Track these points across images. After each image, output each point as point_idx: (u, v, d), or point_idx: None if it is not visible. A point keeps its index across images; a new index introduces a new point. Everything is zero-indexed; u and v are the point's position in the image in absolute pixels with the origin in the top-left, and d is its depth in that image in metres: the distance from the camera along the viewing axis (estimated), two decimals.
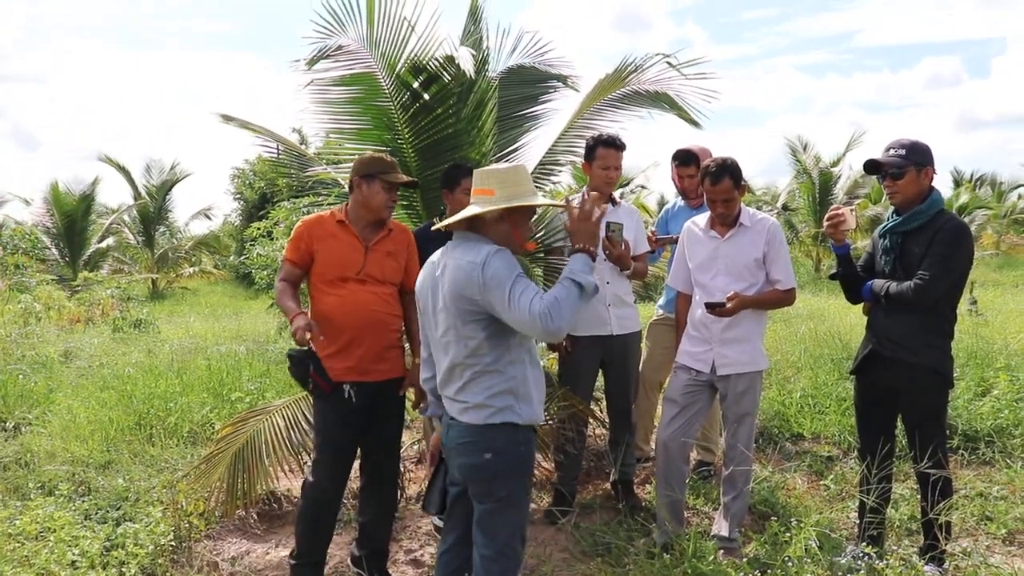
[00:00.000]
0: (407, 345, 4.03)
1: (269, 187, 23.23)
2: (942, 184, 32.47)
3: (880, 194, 21.78)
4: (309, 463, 4.02)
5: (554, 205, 3.49)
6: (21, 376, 7.60)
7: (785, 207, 22.76)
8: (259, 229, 11.63)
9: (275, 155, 5.42)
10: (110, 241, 22.60)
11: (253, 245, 11.32)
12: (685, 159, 5.15)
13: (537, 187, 5.26)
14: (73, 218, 20.38)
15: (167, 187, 24.41)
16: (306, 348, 3.55)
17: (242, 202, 25.36)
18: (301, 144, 21.95)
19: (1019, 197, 32.70)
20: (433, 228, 3.11)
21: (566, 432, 4.58)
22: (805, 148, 21.36)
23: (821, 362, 7.33)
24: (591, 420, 4.95)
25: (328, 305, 3.69)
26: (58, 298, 13.48)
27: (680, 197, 5.44)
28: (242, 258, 11.72)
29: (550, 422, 4.64)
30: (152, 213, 24.29)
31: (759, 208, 22.01)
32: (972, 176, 36.82)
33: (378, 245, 3.77)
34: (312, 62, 4.53)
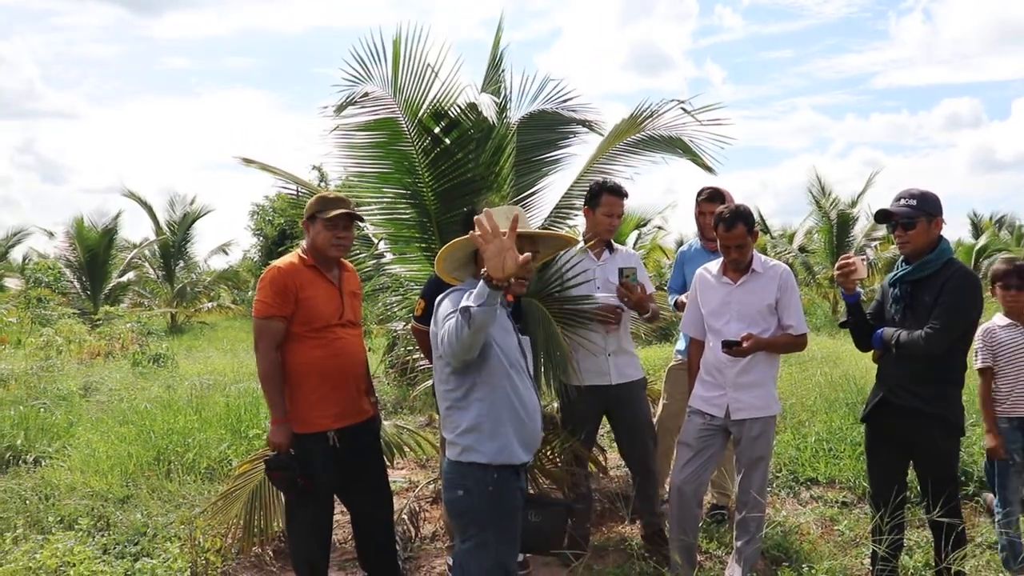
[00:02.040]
0: None
1: (288, 223, 23.44)
2: (960, 226, 32.35)
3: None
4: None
5: (556, 236, 3.53)
6: (42, 409, 7.70)
7: (802, 248, 22.75)
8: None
9: (294, 195, 5.54)
10: (131, 275, 22.77)
11: None
12: (712, 196, 5.17)
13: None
14: (96, 252, 20.57)
15: (188, 222, 24.67)
16: (286, 452, 3.56)
17: (261, 238, 25.59)
18: (321, 182, 22.32)
19: None
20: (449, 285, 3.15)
21: (574, 475, 4.61)
22: (824, 189, 21.38)
23: (836, 406, 7.33)
24: (597, 465, 4.96)
25: (314, 353, 3.64)
26: (79, 332, 13.65)
27: (698, 237, 5.47)
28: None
29: (559, 465, 4.68)
30: (173, 248, 24.54)
31: (775, 248, 22.07)
32: (991, 218, 36.68)
33: (345, 286, 3.82)
34: (340, 108, 4.66)
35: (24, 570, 3.95)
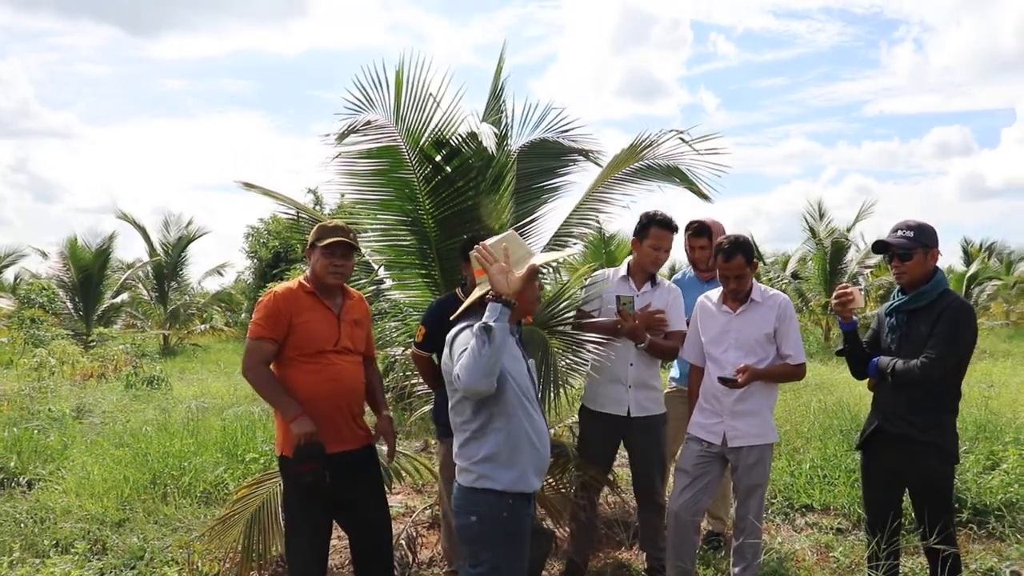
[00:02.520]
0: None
1: (283, 246, 23.46)
2: (951, 253, 32.53)
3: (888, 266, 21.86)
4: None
5: (553, 260, 3.60)
6: (37, 431, 7.69)
7: (795, 275, 22.84)
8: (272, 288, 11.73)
9: (294, 218, 5.58)
10: (124, 296, 22.74)
11: None
12: (698, 231, 5.19)
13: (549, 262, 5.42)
14: (89, 272, 20.55)
15: (183, 244, 24.69)
16: (316, 441, 3.54)
17: (256, 260, 25.59)
18: (316, 205, 22.37)
19: None
20: (452, 317, 3.16)
21: (579, 501, 4.62)
22: (820, 216, 21.52)
23: (831, 433, 7.37)
24: (604, 488, 4.95)
25: (306, 378, 3.67)
26: (72, 353, 13.61)
27: (691, 267, 5.51)
28: None
29: (563, 491, 4.69)
30: (166, 269, 24.54)
31: (768, 275, 22.14)
32: (981, 246, 36.89)
33: (346, 314, 3.83)
34: (342, 136, 4.71)
35: None
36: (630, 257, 4.70)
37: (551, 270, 5.64)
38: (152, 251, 24.50)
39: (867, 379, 3.95)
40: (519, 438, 2.97)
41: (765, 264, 24.33)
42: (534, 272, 3.04)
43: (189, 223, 24.93)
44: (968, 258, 33.28)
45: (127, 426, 8.11)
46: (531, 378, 3.13)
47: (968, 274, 26.71)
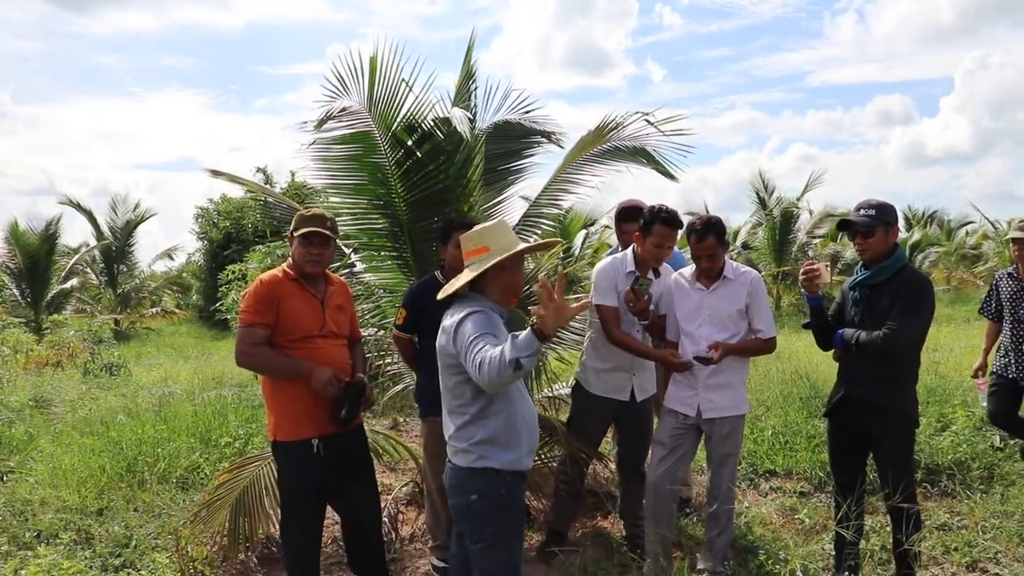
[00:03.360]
0: None
1: (234, 227, 23.19)
2: None
3: (835, 234, 22.38)
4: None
5: (544, 245, 3.71)
6: (1, 423, 7.61)
7: (745, 245, 23.26)
8: (233, 272, 11.68)
9: (261, 202, 5.61)
10: (73, 282, 22.33)
11: (227, 288, 11.37)
12: (628, 214, 5.01)
13: (521, 239, 5.53)
14: (36, 258, 20.15)
15: (131, 227, 24.31)
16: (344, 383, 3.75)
17: (206, 241, 25.25)
18: (266, 183, 22.12)
19: (967, 234, 33.68)
20: (440, 297, 3.25)
21: (565, 474, 4.76)
22: (767, 187, 21.92)
23: (790, 401, 7.63)
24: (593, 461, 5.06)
25: None
26: (26, 341, 13.39)
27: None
28: (217, 304, 11.75)
29: (551, 464, 4.83)
30: (115, 253, 24.14)
31: None
32: (923, 214, 37.89)
33: (329, 300, 3.92)
34: (320, 123, 4.76)
35: None
36: (633, 246, 4.59)
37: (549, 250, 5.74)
38: (100, 235, 24.10)
39: (832, 350, 4.14)
40: (517, 420, 3.10)
41: None
42: (523, 256, 3.16)
43: (137, 206, 24.58)
44: (910, 225, 34.19)
45: (92, 414, 8.07)
46: None
47: (911, 241, 27.46)
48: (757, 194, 21.75)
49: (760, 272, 22.10)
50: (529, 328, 2.74)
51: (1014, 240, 5.75)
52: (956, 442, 6.10)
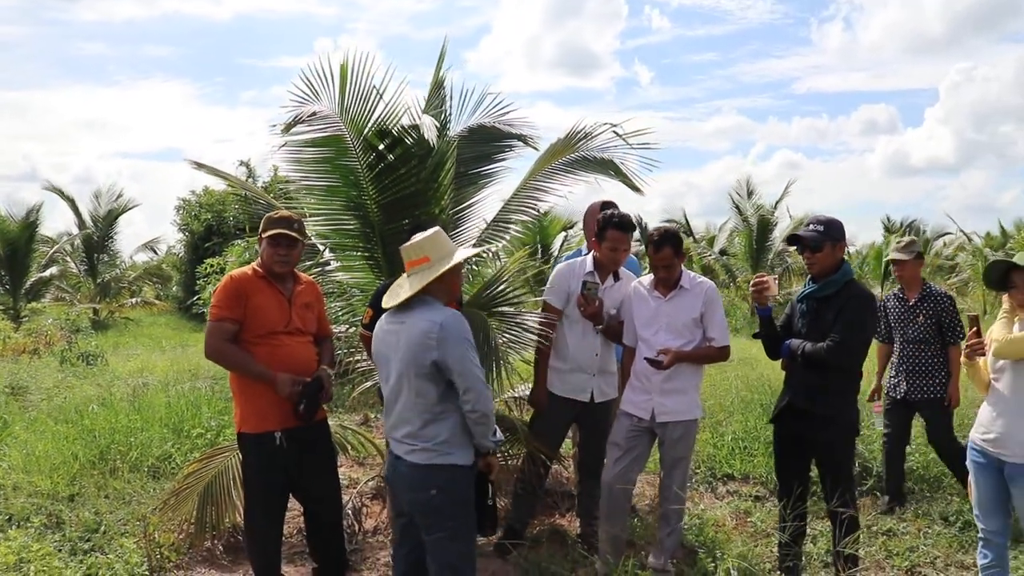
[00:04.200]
0: None
1: (216, 219, 23.18)
2: (873, 230, 33.67)
3: None
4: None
5: (481, 252, 3.90)
6: None
7: (723, 251, 23.50)
8: (213, 265, 11.78)
9: (241, 198, 5.73)
10: (53, 270, 22.30)
11: (205, 282, 11.48)
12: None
13: (489, 244, 5.69)
14: (16, 245, 20.13)
15: (113, 216, 24.27)
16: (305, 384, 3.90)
17: (187, 233, 25.22)
18: (248, 177, 22.14)
19: (944, 245, 34.06)
20: (388, 306, 3.43)
21: (524, 473, 4.92)
22: (748, 194, 22.16)
23: (751, 407, 7.82)
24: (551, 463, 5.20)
25: (260, 357, 3.89)
26: (4, 328, 13.43)
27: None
28: (195, 297, 11.84)
29: (511, 462, 4.98)
30: (96, 242, 24.10)
31: (696, 251, 22.71)
32: (902, 224, 38.23)
33: (297, 298, 4.07)
34: (288, 127, 4.89)
35: None
36: (593, 252, 4.83)
37: (491, 255, 5.89)
38: (82, 223, 24.04)
39: (780, 359, 4.32)
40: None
41: (696, 241, 24.94)
42: (459, 265, 3.37)
43: (119, 195, 24.52)
44: (889, 235, 34.49)
45: (67, 403, 8.16)
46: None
47: (886, 252, 27.72)
48: (734, 201, 21.98)
49: (737, 278, 22.41)
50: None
51: (894, 261, 5.79)
52: (908, 451, 6.28)
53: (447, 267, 3.26)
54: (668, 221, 28.00)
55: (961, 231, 29.94)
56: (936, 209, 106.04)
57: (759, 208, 21.51)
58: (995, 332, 3.76)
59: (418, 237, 3.38)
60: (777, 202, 22.17)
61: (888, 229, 36.93)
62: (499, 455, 5.18)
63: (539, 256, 21.89)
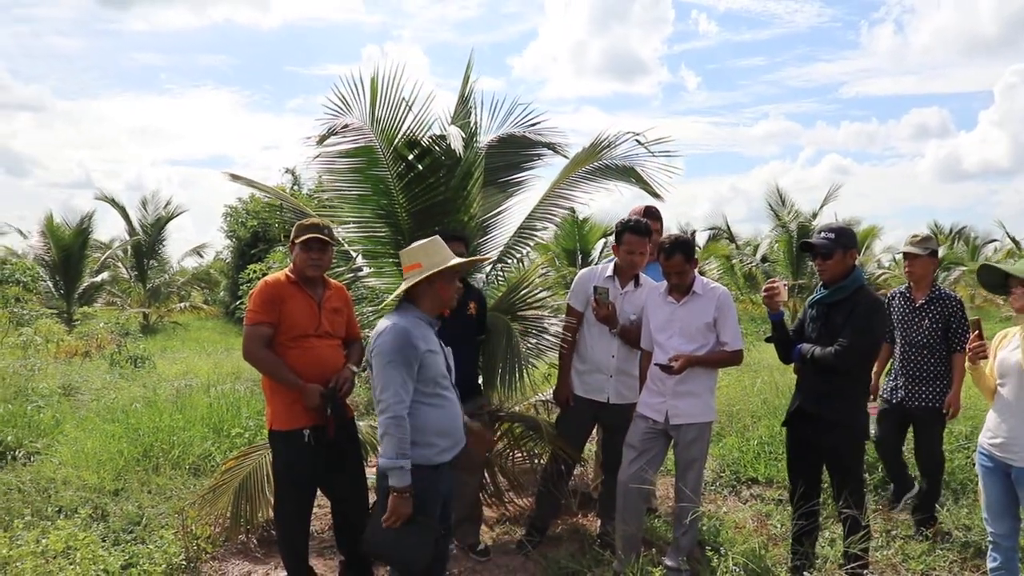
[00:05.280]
0: None
1: (261, 226, 23.68)
2: None
3: (861, 248, 22.52)
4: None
5: (474, 261, 4.07)
6: (30, 408, 8.07)
7: (764, 259, 23.41)
8: (255, 272, 12.09)
9: (277, 208, 5.97)
10: (104, 275, 22.96)
11: (249, 287, 11.79)
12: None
13: (514, 251, 5.86)
14: (70, 251, 20.79)
15: (162, 223, 24.91)
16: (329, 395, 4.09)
17: (234, 239, 25.81)
18: (294, 184, 22.56)
19: (995, 251, 33.47)
20: (383, 305, 3.67)
21: (547, 472, 5.07)
22: (783, 201, 22.09)
23: (779, 412, 7.84)
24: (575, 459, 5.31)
25: (291, 359, 4.10)
26: (57, 332, 13.92)
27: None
28: (238, 302, 12.17)
29: (535, 461, 5.13)
30: (145, 248, 24.76)
31: (738, 258, 22.64)
32: (951, 230, 37.58)
33: (326, 303, 4.27)
34: (322, 139, 5.12)
35: (32, 554, 4.35)
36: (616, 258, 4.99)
37: (515, 260, 6.07)
38: (132, 230, 24.70)
39: (791, 363, 4.43)
40: (437, 415, 3.53)
41: (738, 247, 24.84)
42: (455, 272, 3.57)
43: (168, 203, 25.16)
44: (936, 243, 33.87)
45: (116, 403, 8.50)
46: (448, 367, 3.63)
47: None
48: (772, 209, 21.92)
49: None
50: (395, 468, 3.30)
51: (906, 255, 5.41)
52: None
53: (430, 272, 3.46)
54: (712, 228, 28.01)
55: (1009, 236, 29.42)
56: (990, 215, 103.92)
57: (796, 215, 21.41)
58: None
59: (415, 244, 3.59)
60: (821, 207, 22.08)
61: (936, 236, 36.30)
62: (521, 456, 5.37)
63: (579, 262, 22.05)
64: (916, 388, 5.35)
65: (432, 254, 3.52)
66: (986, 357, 3.89)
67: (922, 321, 5.32)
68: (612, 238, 5.08)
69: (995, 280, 3.90)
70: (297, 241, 4.20)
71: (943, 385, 5.30)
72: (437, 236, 3.66)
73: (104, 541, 4.87)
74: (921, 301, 5.36)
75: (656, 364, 4.43)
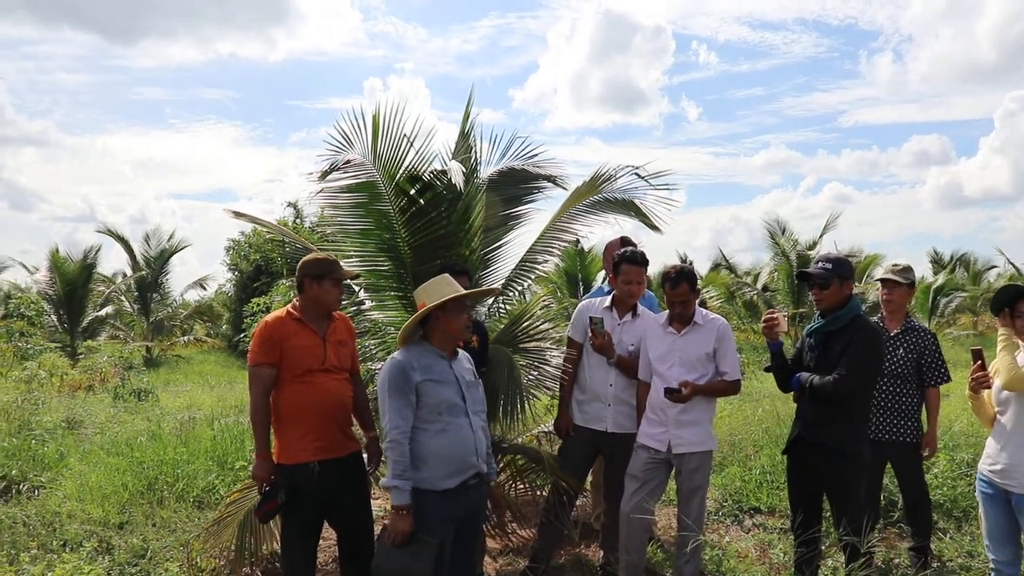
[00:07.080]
0: None
1: (264, 259, 23.82)
2: (921, 265, 33.16)
3: (860, 278, 22.59)
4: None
5: (475, 293, 4.14)
6: (34, 441, 8.11)
7: (765, 288, 23.48)
8: (258, 305, 12.16)
9: (280, 244, 6.05)
10: (108, 309, 23.05)
11: (252, 320, 11.86)
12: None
13: (515, 284, 5.92)
14: (74, 286, 20.89)
15: (165, 257, 25.04)
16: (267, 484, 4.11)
17: (236, 273, 25.94)
18: (296, 218, 22.71)
19: (998, 276, 33.48)
20: (399, 343, 3.80)
21: (549, 503, 5.10)
22: (783, 231, 22.21)
23: (780, 441, 7.85)
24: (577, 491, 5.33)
25: (299, 394, 4.12)
26: (61, 365, 13.96)
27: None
28: (242, 335, 12.24)
29: (538, 495, 5.15)
30: (148, 281, 24.87)
31: (737, 287, 22.71)
32: (952, 257, 37.64)
33: (331, 336, 4.27)
34: (324, 175, 5.20)
35: None
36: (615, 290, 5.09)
37: (518, 293, 6.13)
38: (135, 264, 24.83)
39: (790, 392, 4.48)
40: (440, 442, 3.69)
41: (738, 276, 24.92)
42: (462, 303, 3.73)
43: (171, 236, 25.31)
44: (938, 270, 33.98)
45: (120, 436, 8.54)
46: (462, 396, 3.77)
47: (935, 286, 27.36)
48: (772, 237, 22.03)
49: None
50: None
51: (884, 281, 5.26)
52: (934, 484, 6.34)
53: (426, 309, 3.66)
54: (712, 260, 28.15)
55: (1010, 263, 29.48)
56: (992, 241, 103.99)
57: (795, 244, 21.52)
58: (1000, 363, 3.88)
59: (423, 285, 3.75)
60: (820, 236, 22.18)
61: (936, 262, 36.40)
62: (523, 487, 5.39)
63: (581, 293, 22.14)
64: (889, 421, 5.14)
65: (433, 293, 3.67)
66: (988, 387, 3.94)
67: (896, 351, 5.14)
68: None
69: (1008, 300, 3.96)
70: (332, 276, 4.21)
71: (917, 420, 5.15)
72: (446, 274, 3.77)
73: (109, 574, 4.89)
74: (896, 331, 5.21)
75: (665, 389, 4.47)
